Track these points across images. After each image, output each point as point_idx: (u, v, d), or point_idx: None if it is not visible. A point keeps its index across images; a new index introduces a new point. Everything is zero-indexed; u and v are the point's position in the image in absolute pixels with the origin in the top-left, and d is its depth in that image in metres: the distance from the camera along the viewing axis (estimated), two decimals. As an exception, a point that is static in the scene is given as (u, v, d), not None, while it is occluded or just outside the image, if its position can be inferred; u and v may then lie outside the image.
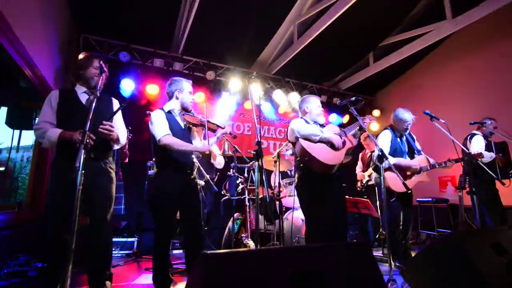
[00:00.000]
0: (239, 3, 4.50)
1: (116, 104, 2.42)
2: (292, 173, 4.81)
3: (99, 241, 2.15)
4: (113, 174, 2.30)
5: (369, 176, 4.66)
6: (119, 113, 2.40)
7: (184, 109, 2.57)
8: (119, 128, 2.32)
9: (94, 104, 1.83)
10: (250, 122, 6.25)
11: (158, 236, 2.37)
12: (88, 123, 1.75)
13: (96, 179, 2.13)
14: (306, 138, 2.82)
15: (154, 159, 2.50)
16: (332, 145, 2.84)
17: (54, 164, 2.18)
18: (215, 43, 5.20)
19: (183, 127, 2.54)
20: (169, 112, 2.51)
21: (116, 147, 2.34)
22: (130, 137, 3.53)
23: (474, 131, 3.99)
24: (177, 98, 2.56)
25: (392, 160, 3.18)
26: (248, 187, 4.03)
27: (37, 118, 3.75)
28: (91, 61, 2.29)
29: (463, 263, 1.37)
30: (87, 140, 1.75)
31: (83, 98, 2.24)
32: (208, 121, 2.55)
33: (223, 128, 2.68)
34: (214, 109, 5.78)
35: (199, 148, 2.47)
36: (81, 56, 2.36)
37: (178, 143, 2.35)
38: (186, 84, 2.59)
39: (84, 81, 2.26)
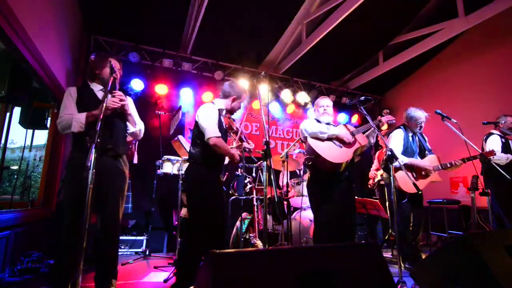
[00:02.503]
0: (247, 3, 4.50)
1: (130, 101, 2.46)
2: (301, 172, 4.80)
3: (109, 240, 2.18)
4: (127, 173, 2.33)
5: (381, 175, 4.59)
6: (133, 107, 2.45)
7: (230, 113, 2.65)
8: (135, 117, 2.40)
9: (106, 101, 1.88)
10: (258, 122, 6.25)
11: (201, 236, 2.31)
12: (99, 122, 1.77)
13: (113, 178, 2.18)
14: (314, 137, 2.85)
15: (194, 150, 2.44)
16: (341, 142, 2.85)
17: (69, 162, 2.19)
18: (223, 43, 5.21)
19: (225, 129, 2.58)
20: (219, 110, 2.53)
21: (131, 129, 2.37)
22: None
23: (492, 130, 3.85)
24: (231, 102, 2.59)
25: (404, 160, 3.15)
26: (256, 186, 4.03)
27: (49, 117, 3.83)
28: (107, 61, 2.33)
29: (475, 265, 1.34)
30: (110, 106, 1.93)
31: (100, 95, 2.29)
32: (241, 132, 2.67)
33: (249, 144, 2.75)
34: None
35: (236, 156, 2.48)
36: (95, 56, 2.39)
37: (225, 147, 2.40)
38: (245, 95, 2.65)
39: (101, 80, 2.32)
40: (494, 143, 3.65)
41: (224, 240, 2.48)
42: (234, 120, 2.66)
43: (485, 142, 3.74)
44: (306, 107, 6.44)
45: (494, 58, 5.14)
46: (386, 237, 4.25)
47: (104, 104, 1.89)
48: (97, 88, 2.32)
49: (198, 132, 2.43)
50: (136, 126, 2.40)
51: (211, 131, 2.33)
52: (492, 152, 3.23)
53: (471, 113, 4.91)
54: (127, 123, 2.36)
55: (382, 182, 4.57)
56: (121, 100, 2.20)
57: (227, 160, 3.77)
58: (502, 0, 4.20)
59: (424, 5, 5.16)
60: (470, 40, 5.46)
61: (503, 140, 3.70)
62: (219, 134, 2.36)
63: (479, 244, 1.38)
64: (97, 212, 2.18)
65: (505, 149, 3.62)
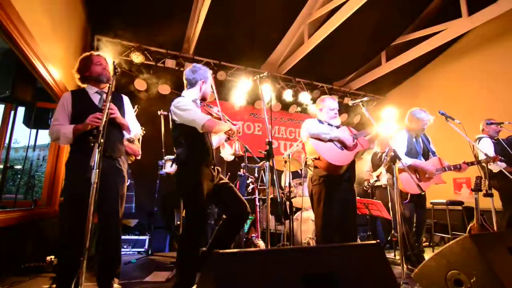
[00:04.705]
0: (249, 4, 4.51)
1: (126, 101, 2.45)
2: (303, 172, 4.79)
3: (110, 239, 2.18)
4: (125, 173, 2.34)
5: (377, 176, 4.59)
6: (130, 109, 2.45)
7: (203, 100, 2.49)
8: (129, 121, 2.37)
9: (108, 105, 1.88)
10: (260, 122, 6.26)
11: (197, 234, 2.26)
12: (103, 124, 1.78)
13: (110, 178, 2.17)
14: (316, 138, 2.82)
15: (177, 152, 2.32)
16: (343, 146, 2.83)
17: (69, 162, 2.19)
18: (226, 44, 5.22)
19: None
20: (193, 101, 2.39)
21: (127, 136, 2.37)
22: (144, 133, 3.51)
23: (480, 135, 3.86)
24: (200, 88, 2.45)
25: (408, 161, 3.14)
26: (258, 187, 4.03)
27: (52, 118, 3.85)
28: (90, 59, 2.28)
29: (478, 266, 1.34)
30: (105, 121, 1.82)
31: (95, 98, 2.26)
32: (223, 115, 2.50)
33: (235, 125, 2.58)
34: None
35: (232, 127, 2.37)
36: (80, 60, 2.34)
37: (220, 126, 2.28)
38: (209, 75, 2.51)
39: (93, 80, 2.27)
40: (487, 146, 3.65)
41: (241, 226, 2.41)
42: (211, 107, 2.49)
43: (478, 147, 3.70)
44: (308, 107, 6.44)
45: (497, 58, 5.11)
46: (389, 237, 4.25)
47: (105, 114, 1.86)
48: (91, 91, 2.27)
49: (180, 131, 2.28)
50: (131, 132, 2.37)
51: (200, 119, 2.19)
52: (497, 158, 3.23)
53: (473, 113, 4.89)
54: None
55: (377, 184, 4.57)
56: (110, 113, 2.11)
57: (227, 154, 3.71)
58: (505, 0, 4.19)
59: (427, 5, 5.14)
60: (473, 40, 5.43)
61: (494, 141, 3.72)
62: (209, 117, 2.22)
63: (482, 245, 1.37)
64: (98, 212, 2.19)
65: (499, 148, 3.64)
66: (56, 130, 2.10)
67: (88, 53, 2.34)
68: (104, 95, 2.20)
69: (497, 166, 3.45)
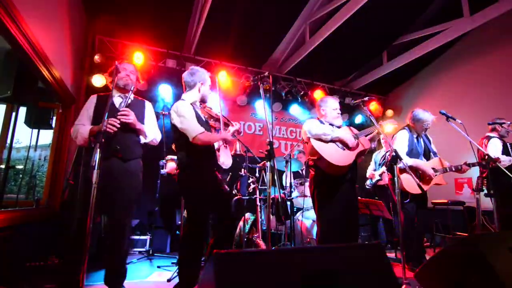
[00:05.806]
0: (250, 3, 4.50)
1: (149, 107, 2.51)
2: (304, 172, 4.79)
3: (118, 242, 2.19)
4: (140, 176, 2.37)
5: (380, 175, 4.58)
6: (151, 115, 2.52)
7: (203, 102, 2.51)
8: (149, 127, 2.43)
9: (123, 104, 1.92)
10: (261, 122, 6.25)
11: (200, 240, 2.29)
12: (104, 121, 1.79)
13: (121, 180, 2.19)
14: (318, 138, 2.82)
15: (180, 155, 2.35)
16: (344, 146, 2.83)
17: (82, 161, 2.26)
18: (227, 44, 5.22)
19: (205, 120, 2.45)
20: (191, 104, 2.40)
21: (143, 140, 2.42)
22: None
23: (489, 134, 3.84)
24: (199, 90, 2.46)
25: (409, 162, 3.13)
26: (259, 187, 4.03)
27: (54, 117, 3.88)
28: (119, 65, 2.40)
29: (479, 267, 1.33)
30: (106, 128, 1.91)
31: (117, 101, 2.36)
32: (223, 116, 2.53)
33: (233, 126, 2.58)
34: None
35: (227, 137, 2.40)
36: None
37: (213, 138, 2.33)
38: (208, 77, 2.53)
39: (117, 85, 2.39)
40: (495, 147, 3.65)
41: (232, 239, 2.44)
42: (211, 108, 2.50)
43: (485, 145, 3.71)
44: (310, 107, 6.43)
45: (499, 57, 5.09)
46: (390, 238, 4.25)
47: (104, 123, 1.93)
48: (116, 94, 2.39)
49: (179, 136, 2.29)
50: (147, 138, 2.42)
51: (193, 130, 2.20)
52: (498, 160, 3.23)
53: (475, 113, 4.88)
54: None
55: (380, 183, 4.56)
56: (122, 120, 2.17)
57: (225, 157, 3.71)
58: (506, 0, 4.17)
59: (429, 5, 5.12)
60: (474, 40, 5.41)
61: (503, 143, 3.71)
62: (203, 129, 2.23)
63: (483, 245, 1.37)
64: (104, 212, 2.20)
65: (505, 152, 3.65)
66: (76, 129, 2.25)
67: (121, 60, 2.48)
68: (127, 100, 2.29)
69: (507, 162, 3.46)
